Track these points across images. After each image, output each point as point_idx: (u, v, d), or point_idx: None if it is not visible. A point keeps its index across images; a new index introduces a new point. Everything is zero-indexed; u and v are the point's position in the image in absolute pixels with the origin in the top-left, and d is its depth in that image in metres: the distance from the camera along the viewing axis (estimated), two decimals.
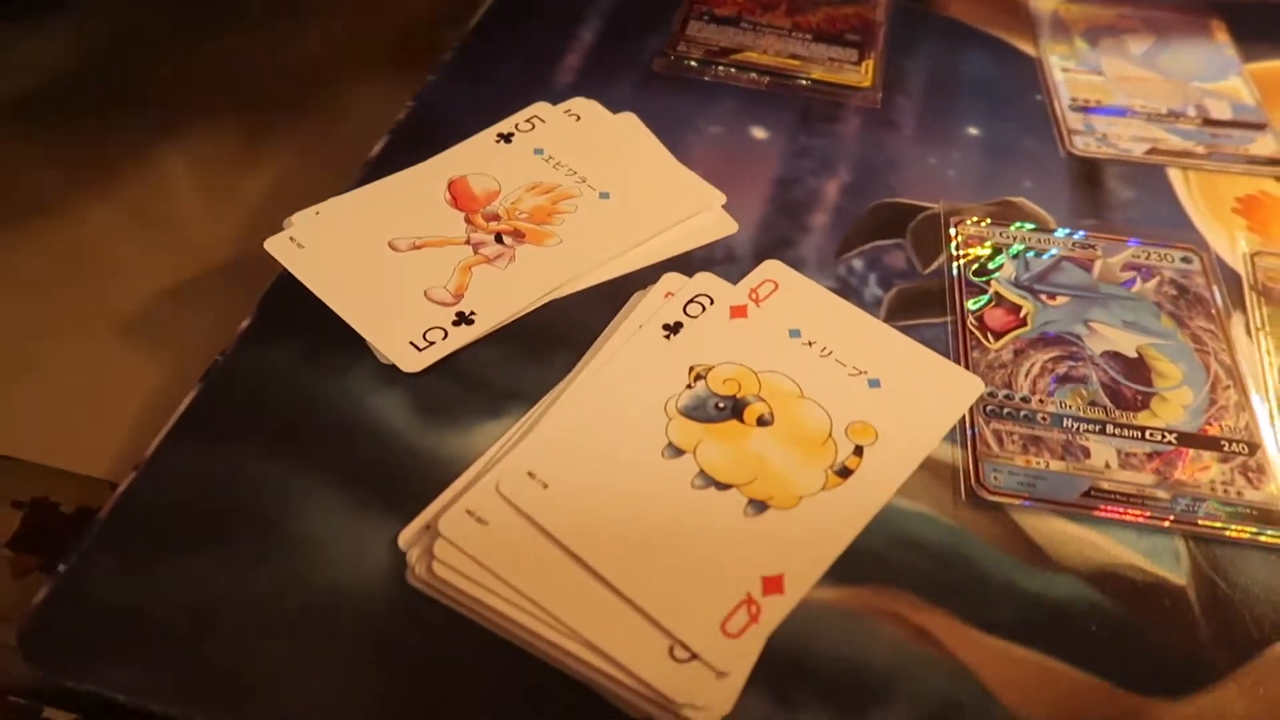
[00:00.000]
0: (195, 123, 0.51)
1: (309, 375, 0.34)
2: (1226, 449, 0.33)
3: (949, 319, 0.37)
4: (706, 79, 0.47)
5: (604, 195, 0.40)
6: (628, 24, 0.50)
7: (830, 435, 0.32)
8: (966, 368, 0.35)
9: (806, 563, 0.29)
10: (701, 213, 0.40)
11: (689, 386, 0.33)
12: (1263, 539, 0.31)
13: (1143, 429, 0.34)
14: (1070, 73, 0.50)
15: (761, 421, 0.32)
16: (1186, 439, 0.34)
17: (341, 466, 0.31)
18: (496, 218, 0.39)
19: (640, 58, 0.48)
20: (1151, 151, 0.46)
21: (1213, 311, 0.38)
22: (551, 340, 0.35)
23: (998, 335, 0.37)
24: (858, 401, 0.33)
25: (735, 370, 0.34)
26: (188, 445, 0.32)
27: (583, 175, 0.41)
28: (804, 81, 0.48)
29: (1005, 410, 0.34)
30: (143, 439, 0.32)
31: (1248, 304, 0.39)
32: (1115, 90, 0.49)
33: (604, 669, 0.26)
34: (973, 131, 0.46)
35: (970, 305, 0.38)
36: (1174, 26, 0.54)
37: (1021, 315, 0.37)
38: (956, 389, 0.34)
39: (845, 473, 0.31)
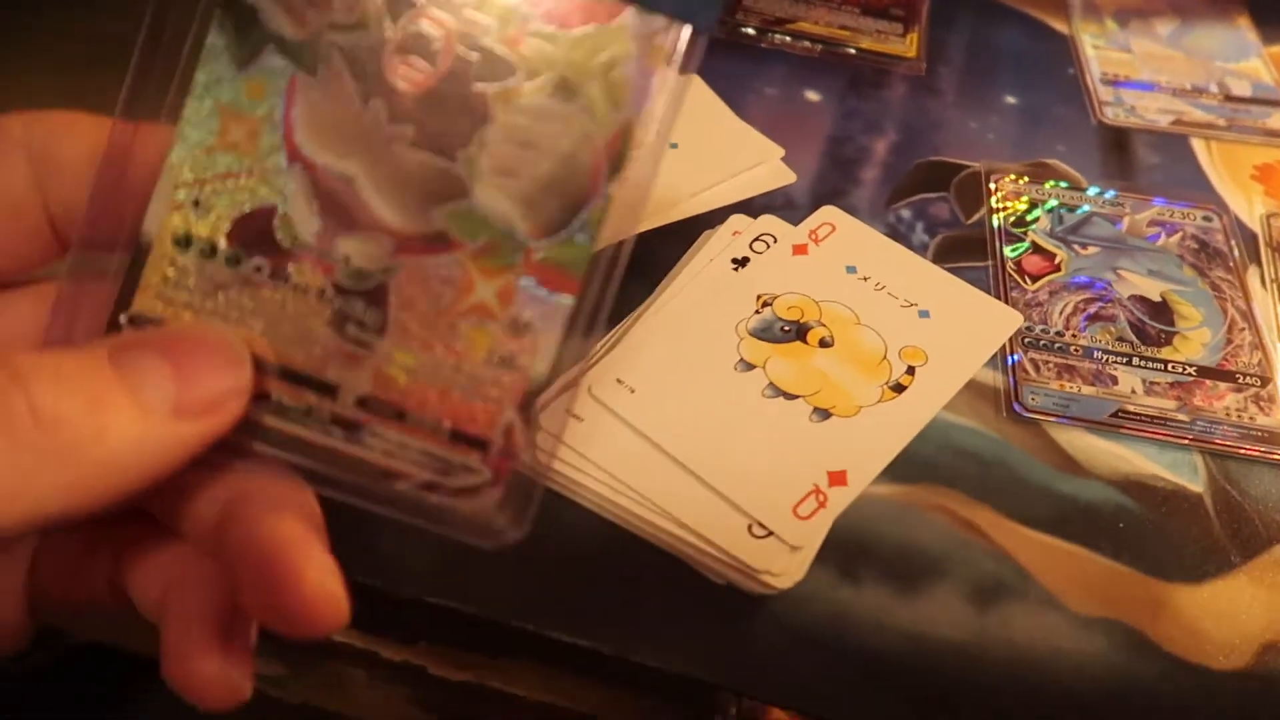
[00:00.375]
0: None
1: None
2: (1241, 381, 0.37)
3: (989, 263, 0.41)
4: (763, 46, 0.51)
5: (673, 145, 0.44)
6: None
7: (885, 357, 0.36)
8: (1006, 304, 0.39)
9: (867, 461, 0.33)
10: (762, 164, 0.44)
11: (757, 312, 0.37)
12: (1272, 456, 0.35)
13: (1165, 361, 0.37)
14: (1101, 50, 0.53)
15: (823, 343, 0.36)
16: (1205, 371, 0.37)
17: None
18: None
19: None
20: (1176, 123, 0.49)
21: (1231, 264, 0.42)
22: (630, 270, 0.39)
23: (1034, 279, 0.40)
24: (909, 329, 0.37)
25: (798, 299, 0.37)
26: None
27: None
28: (853, 50, 0.51)
29: (1041, 342, 0.38)
30: None
31: (1263, 259, 0.42)
32: (1143, 67, 0.53)
33: (694, 543, 0.30)
34: (1010, 100, 0.49)
35: (1009, 252, 0.41)
36: (1198, 10, 0.57)
37: (1056, 262, 0.41)
38: (997, 321, 0.38)
39: (899, 388, 0.35)
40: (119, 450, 0.17)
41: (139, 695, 0.33)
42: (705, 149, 0.44)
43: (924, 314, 0.37)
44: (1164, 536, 0.32)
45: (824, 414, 0.34)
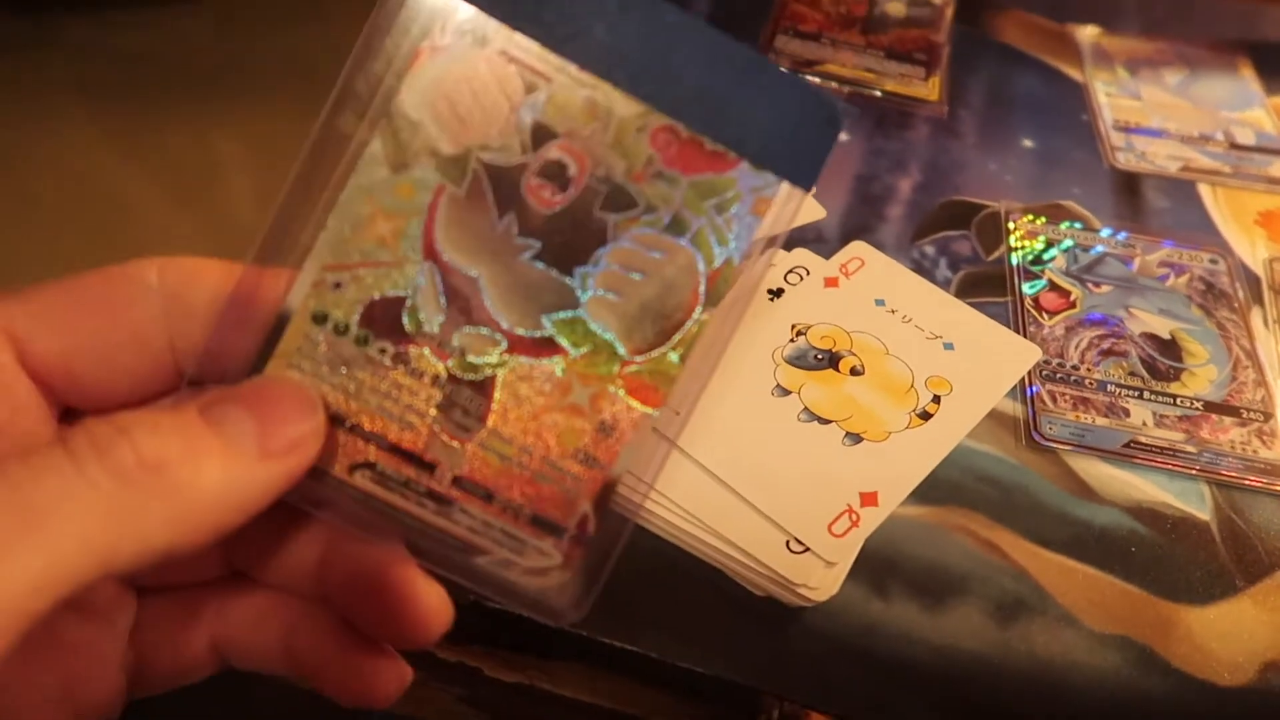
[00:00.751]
0: (257, 108, 0.52)
1: None
2: (1245, 416, 0.39)
3: (1009, 299, 0.43)
4: None
5: None
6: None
7: (913, 385, 0.38)
8: (1026, 339, 0.41)
9: (896, 483, 0.35)
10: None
11: (791, 340, 0.39)
12: (1274, 487, 0.37)
13: (1174, 396, 0.40)
14: (1113, 97, 0.56)
15: (854, 371, 0.38)
16: (1212, 406, 0.40)
17: None
18: None
19: None
20: (1184, 169, 0.52)
21: (1235, 305, 0.44)
22: None
23: (1051, 314, 0.43)
24: (935, 360, 0.39)
25: (830, 329, 0.40)
26: None
27: None
28: (878, 93, 0.54)
29: (1058, 375, 0.40)
30: None
31: (1266, 301, 0.45)
32: (1152, 114, 0.55)
33: (736, 556, 0.32)
34: (1027, 143, 0.52)
35: (1026, 288, 0.44)
36: (1205, 61, 0.60)
37: (1071, 299, 0.43)
38: (1018, 354, 0.40)
39: (926, 416, 0.37)
40: (214, 489, 0.19)
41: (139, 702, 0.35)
42: None
43: (949, 346, 0.40)
44: (1173, 560, 0.34)
45: (855, 438, 0.36)
